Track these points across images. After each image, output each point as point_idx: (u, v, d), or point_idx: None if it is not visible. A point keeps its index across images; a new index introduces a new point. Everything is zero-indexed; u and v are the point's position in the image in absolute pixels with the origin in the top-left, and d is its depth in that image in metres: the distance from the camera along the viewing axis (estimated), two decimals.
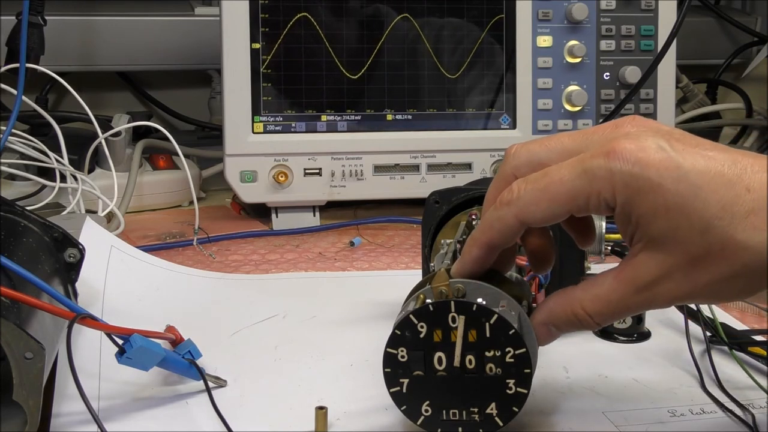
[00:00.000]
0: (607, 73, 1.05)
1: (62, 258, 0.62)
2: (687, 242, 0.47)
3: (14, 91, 0.92)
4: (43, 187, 0.97)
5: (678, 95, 1.32)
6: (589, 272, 0.69)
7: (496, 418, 0.51)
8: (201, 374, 0.59)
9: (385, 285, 0.81)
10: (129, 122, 1.03)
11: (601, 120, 1.05)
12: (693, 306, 0.68)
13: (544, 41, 1.03)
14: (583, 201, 0.49)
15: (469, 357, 0.51)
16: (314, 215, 1.03)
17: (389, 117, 1.02)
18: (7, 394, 0.48)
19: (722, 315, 0.73)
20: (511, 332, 0.50)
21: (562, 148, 0.51)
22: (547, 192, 0.49)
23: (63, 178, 0.96)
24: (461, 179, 0.99)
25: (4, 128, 0.91)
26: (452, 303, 0.51)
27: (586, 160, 0.48)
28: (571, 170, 0.49)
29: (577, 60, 1.04)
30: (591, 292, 0.51)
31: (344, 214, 1.05)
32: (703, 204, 0.46)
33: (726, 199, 0.46)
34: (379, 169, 1.01)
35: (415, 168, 1.02)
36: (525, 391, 0.51)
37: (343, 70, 1.01)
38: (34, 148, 0.96)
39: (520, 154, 0.53)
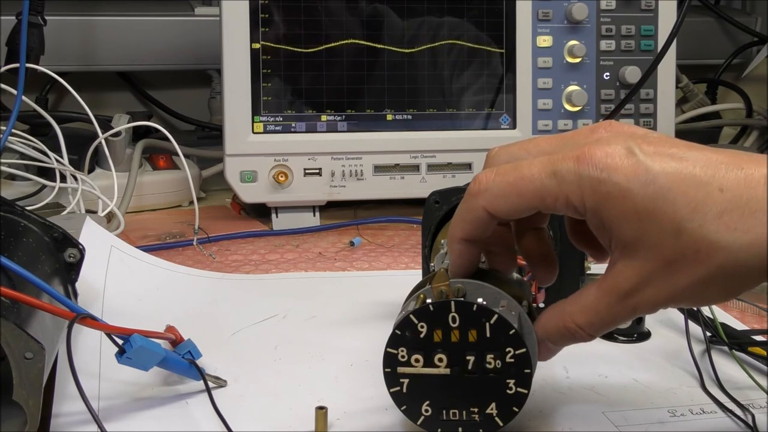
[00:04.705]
0: (607, 73, 1.05)
1: (62, 258, 0.62)
2: (660, 246, 0.46)
3: (14, 91, 0.92)
4: (43, 187, 0.97)
5: (678, 95, 1.32)
6: (589, 272, 0.69)
7: (496, 418, 0.51)
8: (201, 374, 0.59)
9: (385, 285, 0.81)
10: (129, 122, 1.03)
11: (601, 120, 1.05)
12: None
13: (544, 41, 1.03)
14: (551, 201, 0.49)
15: (469, 357, 0.51)
16: (314, 215, 1.03)
17: (389, 117, 1.02)
18: (7, 394, 0.48)
19: (722, 315, 0.73)
20: (511, 332, 0.50)
21: (540, 150, 0.51)
22: (516, 186, 0.49)
23: (63, 178, 0.96)
24: (461, 179, 1.00)
25: (4, 128, 0.91)
26: (452, 303, 0.51)
27: (556, 162, 0.48)
28: (541, 168, 0.49)
29: (577, 60, 1.04)
30: (579, 305, 0.50)
31: (344, 214, 1.05)
32: (672, 207, 0.46)
33: (697, 200, 0.46)
34: (379, 169, 1.01)
35: (415, 168, 1.02)
36: (525, 391, 0.51)
37: (343, 70, 1.01)
38: (34, 148, 0.96)
39: (500, 156, 0.53)
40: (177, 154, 1.02)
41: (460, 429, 0.52)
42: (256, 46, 0.98)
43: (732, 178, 0.46)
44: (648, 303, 0.48)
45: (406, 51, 1.02)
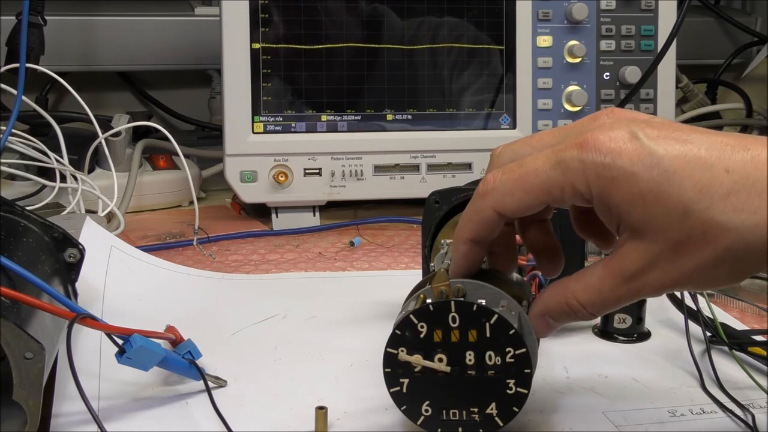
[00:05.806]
0: (607, 73, 1.05)
1: (62, 258, 0.62)
2: (667, 229, 0.46)
3: (14, 91, 0.92)
4: (43, 187, 0.97)
5: (678, 95, 1.32)
6: None
7: (496, 418, 0.51)
8: (201, 374, 0.59)
9: (385, 285, 0.81)
10: (129, 122, 1.03)
11: None
12: (693, 306, 0.69)
13: (544, 41, 1.03)
14: (557, 192, 0.48)
15: (469, 357, 0.51)
16: (314, 215, 1.03)
17: (389, 117, 1.02)
18: (7, 394, 0.48)
19: (722, 315, 0.73)
20: (511, 332, 0.50)
21: (544, 144, 0.51)
22: (522, 182, 0.49)
23: (63, 178, 0.96)
24: (461, 179, 1.00)
25: (4, 128, 0.91)
26: (452, 303, 0.51)
27: (559, 152, 0.48)
28: (545, 161, 0.49)
29: (577, 60, 1.04)
30: (582, 282, 0.50)
31: (344, 214, 1.05)
32: (678, 189, 0.46)
33: (703, 182, 0.45)
34: (379, 169, 1.01)
35: (415, 168, 1.02)
36: (525, 391, 0.51)
37: (343, 70, 1.01)
38: (34, 148, 0.96)
39: (504, 154, 0.53)
40: (177, 154, 1.02)
41: (460, 429, 0.52)
42: (256, 46, 0.98)
43: (738, 159, 0.46)
44: (653, 285, 0.48)
45: (406, 50, 1.02)
